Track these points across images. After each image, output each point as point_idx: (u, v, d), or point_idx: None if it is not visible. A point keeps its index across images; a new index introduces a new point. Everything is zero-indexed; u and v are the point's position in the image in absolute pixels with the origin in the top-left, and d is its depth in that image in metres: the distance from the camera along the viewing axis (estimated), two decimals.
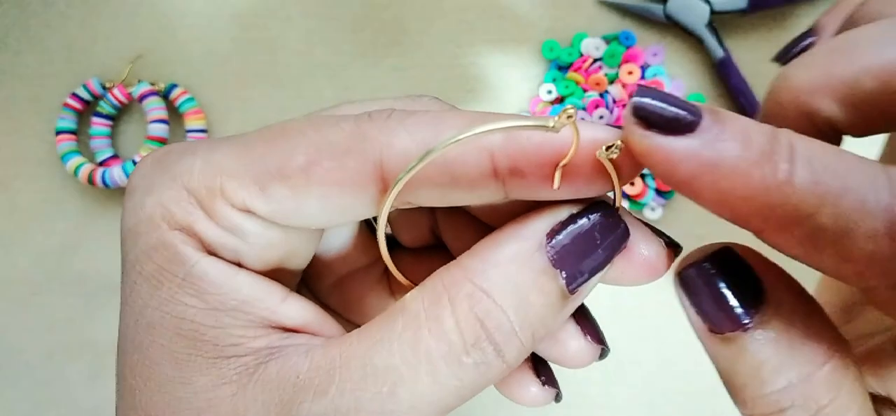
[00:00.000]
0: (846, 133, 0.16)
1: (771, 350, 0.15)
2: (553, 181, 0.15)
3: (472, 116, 0.15)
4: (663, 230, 0.17)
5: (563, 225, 0.15)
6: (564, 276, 0.15)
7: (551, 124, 0.14)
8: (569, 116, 0.14)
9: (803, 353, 0.14)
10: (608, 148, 0.14)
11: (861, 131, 0.16)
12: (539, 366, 0.19)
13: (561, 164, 0.15)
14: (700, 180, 0.13)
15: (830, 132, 0.16)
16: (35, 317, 0.42)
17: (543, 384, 0.19)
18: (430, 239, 0.22)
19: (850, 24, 0.17)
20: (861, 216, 0.12)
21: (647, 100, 0.13)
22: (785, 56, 0.20)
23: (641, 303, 0.40)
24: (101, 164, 0.40)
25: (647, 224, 0.17)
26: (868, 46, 0.14)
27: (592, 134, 0.15)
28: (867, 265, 0.13)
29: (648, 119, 0.13)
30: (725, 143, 0.13)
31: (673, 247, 0.17)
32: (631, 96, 0.14)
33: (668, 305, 0.40)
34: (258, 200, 0.16)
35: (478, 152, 0.15)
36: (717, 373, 0.16)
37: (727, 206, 0.13)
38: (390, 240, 0.22)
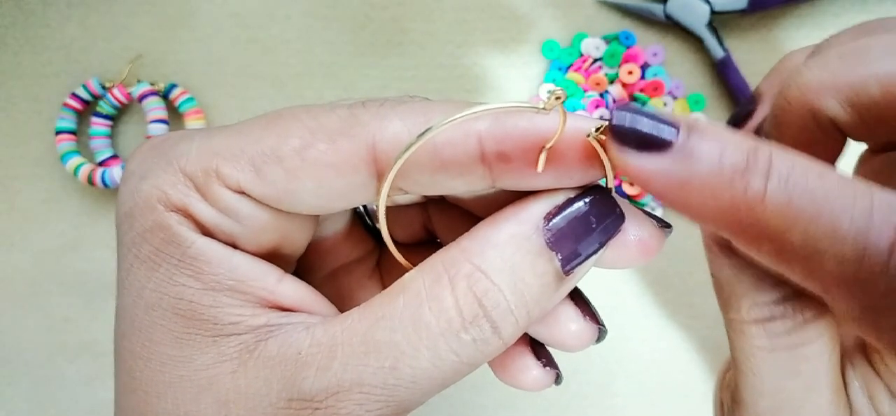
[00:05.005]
0: (849, 137, 0.16)
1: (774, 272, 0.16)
2: (538, 166, 0.15)
3: (463, 104, 0.16)
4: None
5: (560, 208, 0.16)
6: (560, 258, 0.16)
7: (541, 106, 0.15)
8: (557, 98, 0.14)
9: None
10: (598, 130, 0.15)
11: (863, 136, 0.16)
12: (538, 350, 0.19)
13: (547, 146, 0.15)
14: (670, 196, 0.14)
15: (834, 133, 0.16)
16: (35, 317, 0.42)
17: (544, 365, 0.19)
18: (423, 235, 0.22)
19: (862, 32, 0.18)
20: (831, 241, 0.13)
21: (623, 119, 0.14)
22: (733, 122, 0.21)
23: (642, 302, 0.40)
24: (101, 164, 0.40)
25: (638, 207, 0.17)
26: (878, 55, 0.15)
27: (577, 121, 0.15)
28: (834, 285, 0.13)
29: (624, 138, 0.14)
30: (696, 161, 0.13)
31: (664, 227, 0.17)
32: (611, 114, 0.14)
33: (668, 304, 0.40)
34: (253, 181, 0.16)
35: (466, 137, 0.15)
36: (713, 283, 0.18)
37: (699, 218, 0.14)
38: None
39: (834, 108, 0.15)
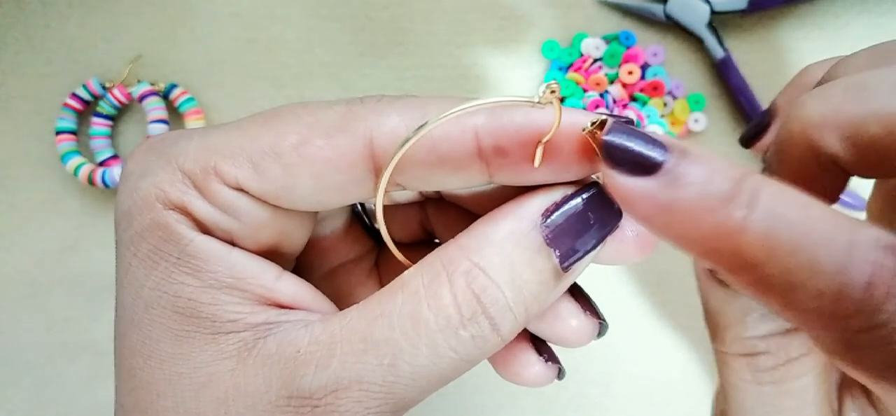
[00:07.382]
0: (850, 172, 0.16)
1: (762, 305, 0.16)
2: (534, 160, 0.15)
3: (459, 100, 0.16)
4: None
5: (558, 205, 0.16)
6: (558, 254, 0.16)
7: (536, 100, 0.15)
8: (552, 92, 0.14)
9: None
10: (593, 124, 0.15)
11: (862, 172, 0.16)
12: (539, 345, 0.19)
13: (543, 140, 0.15)
14: (654, 221, 0.14)
15: (834, 169, 0.16)
16: (35, 317, 0.42)
17: (546, 361, 0.19)
18: (421, 234, 0.22)
19: (830, 76, 0.17)
20: (809, 275, 0.12)
21: (614, 139, 0.14)
22: (748, 137, 0.21)
23: (641, 302, 0.40)
24: (101, 164, 0.40)
25: None
26: (880, 92, 0.15)
27: (573, 116, 0.15)
28: (812, 319, 0.13)
29: (615, 157, 0.14)
30: (683, 186, 0.13)
31: None
32: (605, 130, 0.14)
33: (668, 304, 0.40)
34: (251, 178, 0.16)
35: (463, 132, 0.15)
36: (703, 311, 0.18)
37: (681, 244, 0.14)
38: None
39: (834, 144, 0.15)
